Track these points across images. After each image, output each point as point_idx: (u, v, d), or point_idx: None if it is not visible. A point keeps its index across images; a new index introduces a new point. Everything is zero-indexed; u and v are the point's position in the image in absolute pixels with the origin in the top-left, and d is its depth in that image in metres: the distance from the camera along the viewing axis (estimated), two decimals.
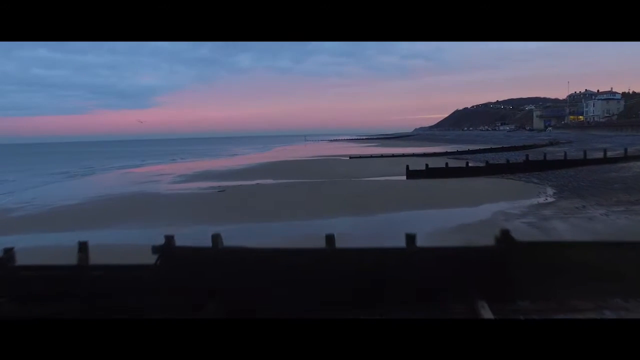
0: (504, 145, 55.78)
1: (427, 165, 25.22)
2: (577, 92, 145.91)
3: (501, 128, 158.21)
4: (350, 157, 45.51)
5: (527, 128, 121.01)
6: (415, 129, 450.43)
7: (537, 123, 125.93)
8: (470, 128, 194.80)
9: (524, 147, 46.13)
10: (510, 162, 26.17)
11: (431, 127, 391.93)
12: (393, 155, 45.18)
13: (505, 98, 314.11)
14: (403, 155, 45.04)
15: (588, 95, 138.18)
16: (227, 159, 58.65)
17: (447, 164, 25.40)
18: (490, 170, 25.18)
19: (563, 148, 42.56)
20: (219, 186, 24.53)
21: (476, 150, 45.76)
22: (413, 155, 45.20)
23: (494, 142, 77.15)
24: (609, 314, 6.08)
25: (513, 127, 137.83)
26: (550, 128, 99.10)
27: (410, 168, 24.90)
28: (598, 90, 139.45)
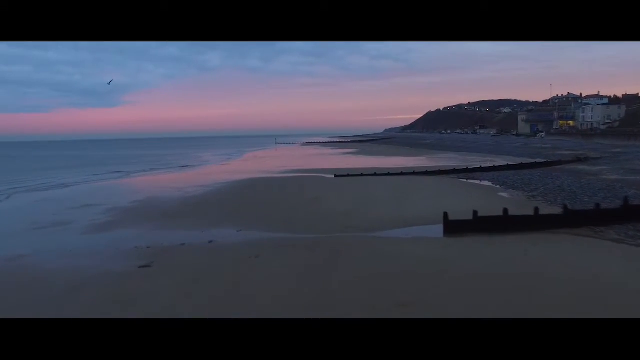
0: (510, 158, 47.17)
1: (475, 213, 15.88)
2: (560, 95, 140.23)
3: (481, 132, 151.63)
4: (335, 176, 36.04)
5: (514, 133, 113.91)
6: (385, 130, 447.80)
7: (523, 127, 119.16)
8: (448, 131, 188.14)
9: (547, 164, 37.44)
10: (601, 207, 16.95)
11: (403, 129, 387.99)
12: (389, 174, 35.92)
13: (477, 100, 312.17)
14: (401, 174, 35.77)
15: (572, 98, 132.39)
16: (182, 173, 48.36)
17: (506, 210, 16.14)
18: (573, 220, 16.01)
19: (602, 166, 34.13)
20: (147, 249, 14.69)
21: (489, 167, 36.80)
22: (413, 173, 35.97)
23: (486, 150, 68.97)
24: None
25: (495, 132, 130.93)
26: (542, 134, 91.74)
27: (449, 215, 15.66)
28: (581, 94, 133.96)
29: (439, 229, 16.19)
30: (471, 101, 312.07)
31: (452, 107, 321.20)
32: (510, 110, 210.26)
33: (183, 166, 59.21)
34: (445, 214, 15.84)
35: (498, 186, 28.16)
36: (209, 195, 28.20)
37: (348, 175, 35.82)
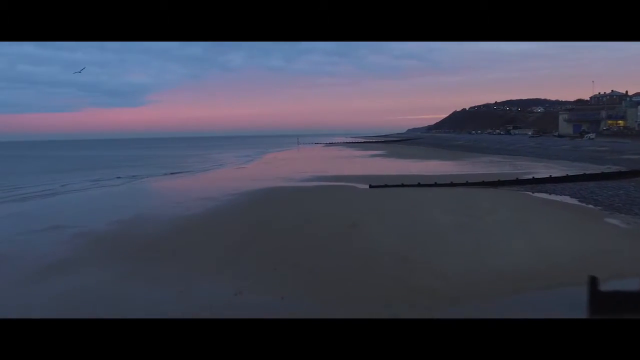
0: (567, 164, 39.81)
1: None
2: (602, 93, 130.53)
3: (516, 132, 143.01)
4: (370, 186, 29.50)
5: (555, 133, 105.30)
6: (409, 130, 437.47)
7: (565, 128, 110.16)
8: (479, 131, 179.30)
9: (636, 173, 30.15)
10: None
11: (428, 129, 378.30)
12: (436, 184, 29.25)
13: (503, 99, 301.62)
14: (451, 184, 29.07)
15: (616, 96, 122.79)
16: (191, 179, 42.34)
17: None
18: None
19: None
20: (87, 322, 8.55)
21: (561, 178, 29.75)
22: (467, 184, 29.22)
23: (531, 152, 61.48)
24: None
25: (533, 132, 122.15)
26: (590, 135, 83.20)
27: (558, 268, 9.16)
28: (627, 92, 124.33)
29: (564, 298, 9.57)
30: (498, 101, 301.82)
31: (479, 106, 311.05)
32: (543, 109, 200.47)
33: (195, 171, 53.26)
34: (593, 280, 9.12)
35: (591, 206, 21.29)
36: (211, 215, 21.89)
37: (386, 186, 29.23)
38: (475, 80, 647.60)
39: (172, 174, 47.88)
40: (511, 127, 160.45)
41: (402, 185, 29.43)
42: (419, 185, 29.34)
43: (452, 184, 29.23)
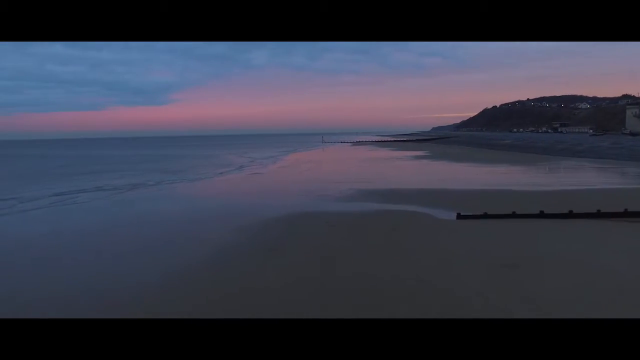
0: None
1: None
2: None
3: (567, 130, 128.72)
4: (459, 216, 17.39)
5: (626, 131, 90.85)
6: (433, 129, 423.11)
7: (635, 124, 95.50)
8: (521, 130, 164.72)
9: None
10: None
11: (456, 127, 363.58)
12: (571, 214, 17.17)
13: (535, 96, 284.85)
14: (599, 215, 16.96)
15: None
16: (187, 191, 30.64)
17: None
18: None
19: None
20: None
21: None
22: (615, 215, 17.06)
23: (623, 155, 48.52)
24: None
25: (594, 130, 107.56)
26: None
27: None
28: None
29: None
30: (530, 97, 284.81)
31: (511, 103, 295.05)
32: (589, 105, 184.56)
33: (203, 177, 41.70)
34: None
35: None
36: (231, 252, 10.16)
37: (486, 217, 17.23)
38: (501, 77, 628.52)
39: (170, 182, 36.45)
40: (558, 125, 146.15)
41: (514, 215, 17.35)
42: (541, 215, 17.24)
43: (599, 214, 17.03)
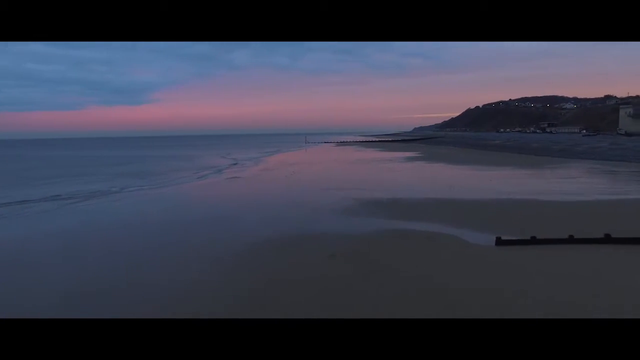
0: None
1: None
2: None
3: (553, 131, 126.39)
4: (498, 242, 13.33)
5: (621, 131, 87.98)
6: (415, 129, 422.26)
7: (629, 124, 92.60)
8: (507, 130, 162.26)
9: None
10: None
11: (438, 127, 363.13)
12: (608, 239, 13.24)
13: (517, 97, 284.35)
14: None
15: None
16: (146, 210, 26.03)
17: None
18: None
19: None
20: None
21: None
22: None
23: (620, 156, 45.32)
24: None
25: (587, 130, 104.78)
26: None
27: None
28: None
29: None
30: (512, 98, 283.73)
31: (494, 103, 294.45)
32: (575, 105, 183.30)
33: (177, 181, 37.03)
34: None
35: None
36: None
37: (534, 242, 13.18)
38: (483, 78, 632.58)
39: (136, 189, 31.81)
40: (546, 125, 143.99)
41: (568, 241, 13.31)
42: (605, 240, 13.24)
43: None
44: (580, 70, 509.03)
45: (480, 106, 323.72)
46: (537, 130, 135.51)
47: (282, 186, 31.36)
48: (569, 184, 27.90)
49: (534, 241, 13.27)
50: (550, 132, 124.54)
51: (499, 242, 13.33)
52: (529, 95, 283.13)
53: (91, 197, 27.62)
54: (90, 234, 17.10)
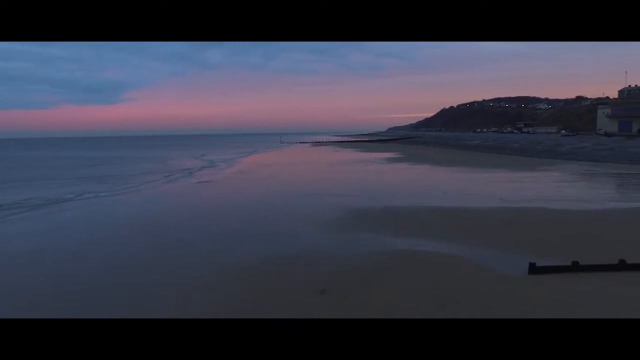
0: None
1: None
2: (632, 85, 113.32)
3: (530, 131, 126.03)
4: (531, 270, 10.65)
5: (600, 132, 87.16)
6: (389, 129, 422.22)
7: (607, 124, 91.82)
8: (484, 130, 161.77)
9: None
10: None
11: (413, 127, 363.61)
12: None
13: (491, 97, 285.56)
14: None
15: None
16: (106, 222, 22.66)
17: None
18: None
19: None
20: None
21: None
22: None
23: (606, 157, 43.78)
24: None
25: (567, 131, 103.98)
26: None
27: None
28: None
29: None
30: (485, 98, 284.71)
31: (469, 104, 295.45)
32: (549, 106, 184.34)
33: (133, 189, 33.53)
34: None
35: None
36: None
37: (576, 269, 10.55)
38: (456, 78, 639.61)
39: (93, 197, 28.37)
40: (522, 125, 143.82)
41: (619, 267, 10.73)
42: None
43: None
44: (550, 72, 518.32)
45: (455, 106, 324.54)
46: (514, 130, 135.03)
47: (257, 192, 28.33)
48: (571, 188, 25.61)
49: (575, 268, 10.62)
50: (528, 132, 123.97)
51: (533, 269, 10.63)
52: (503, 95, 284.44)
53: (39, 206, 24.09)
54: None
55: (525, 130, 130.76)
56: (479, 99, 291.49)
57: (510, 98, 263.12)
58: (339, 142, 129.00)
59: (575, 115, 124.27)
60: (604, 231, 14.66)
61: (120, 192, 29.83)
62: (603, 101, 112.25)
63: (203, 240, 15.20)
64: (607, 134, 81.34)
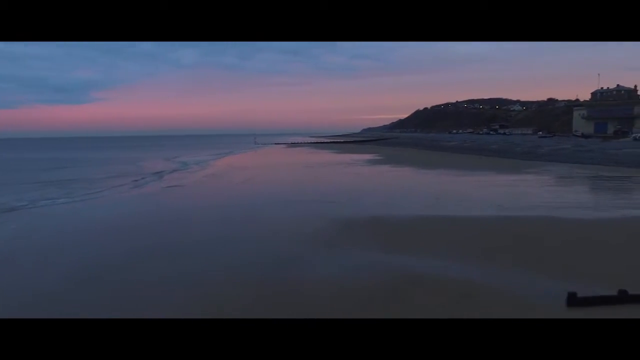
0: None
1: None
2: (605, 87, 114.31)
3: (506, 132, 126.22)
4: (570, 302, 8.80)
5: (577, 133, 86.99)
6: (364, 130, 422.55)
7: (583, 125, 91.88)
8: (460, 131, 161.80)
9: None
10: None
11: (388, 128, 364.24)
12: None
13: (464, 99, 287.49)
14: None
15: (623, 91, 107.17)
16: (51, 238, 20.06)
17: None
18: None
19: None
20: None
21: None
22: None
23: (611, 160, 42.90)
24: None
25: (543, 132, 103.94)
26: (637, 135, 64.80)
27: None
28: (635, 87, 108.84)
29: None
30: (459, 100, 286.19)
31: (443, 105, 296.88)
32: (523, 108, 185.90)
33: (92, 195, 30.78)
34: None
35: None
36: None
37: (624, 300, 8.72)
38: (430, 80, 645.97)
39: (47, 204, 25.64)
40: (497, 126, 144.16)
41: None
42: None
43: None
44: (522, 74, 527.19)
45: (429, 107, 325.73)
46: (490, 132, 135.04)
47: (232, 198, 26.02)
48: (570, 193, 24.06)
49: (623, 298, 8.73)
50: (504, 133, 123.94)
51: (572, 301, 8.71)
52: (476, 97, 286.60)
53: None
54: None
55: (501, 131, 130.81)
56: (453, 100, 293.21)
57: (483, 100, 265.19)
58: (314, 143, 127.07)
59: (551, 116, 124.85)
60: (618, 243, 12.90)
61: (81, 198, 27.12)
62: (575, 103, 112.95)
63: (153, 263, 12.88)
64: (584, 136, 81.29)
